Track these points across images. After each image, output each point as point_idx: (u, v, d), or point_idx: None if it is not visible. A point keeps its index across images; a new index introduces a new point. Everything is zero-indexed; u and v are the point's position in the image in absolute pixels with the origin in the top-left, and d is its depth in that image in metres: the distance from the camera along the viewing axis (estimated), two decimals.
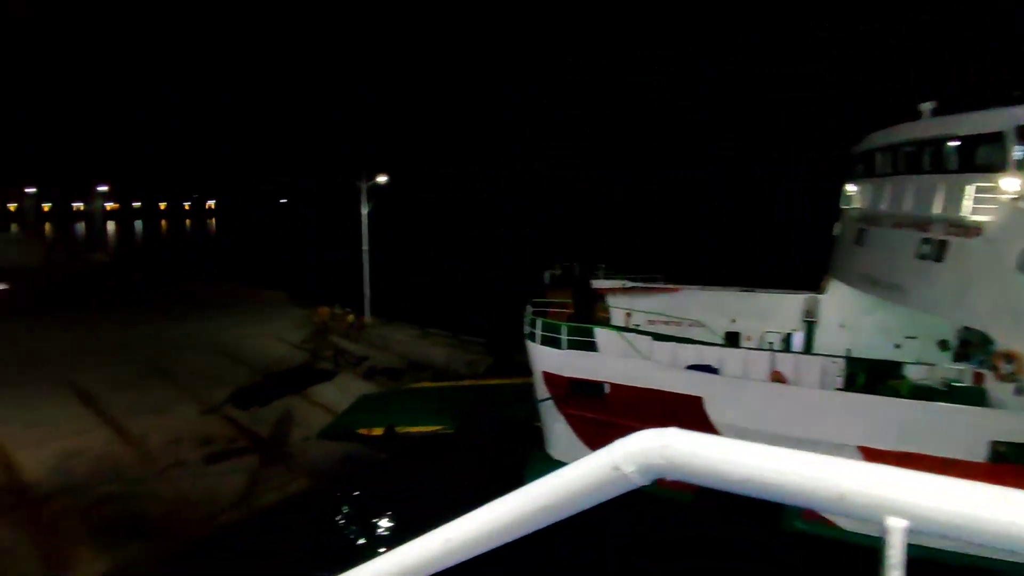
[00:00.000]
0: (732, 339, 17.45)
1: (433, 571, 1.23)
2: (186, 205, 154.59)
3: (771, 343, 16.17)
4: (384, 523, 13.57)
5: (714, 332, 17.63)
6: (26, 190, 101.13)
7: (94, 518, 12.50)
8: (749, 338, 17.28)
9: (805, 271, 19.70)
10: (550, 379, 15.25)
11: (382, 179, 27.90)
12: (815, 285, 17.94)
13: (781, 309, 17.38)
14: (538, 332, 15.20)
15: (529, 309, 16.59)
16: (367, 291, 27.47)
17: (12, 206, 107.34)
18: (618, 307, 18.62)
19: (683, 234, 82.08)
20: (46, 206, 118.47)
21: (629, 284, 19.40)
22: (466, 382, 21.07)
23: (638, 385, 13.62)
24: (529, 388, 16.81)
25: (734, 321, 17.72)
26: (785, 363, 13.43)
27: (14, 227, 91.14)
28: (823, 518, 11.72)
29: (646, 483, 1.00)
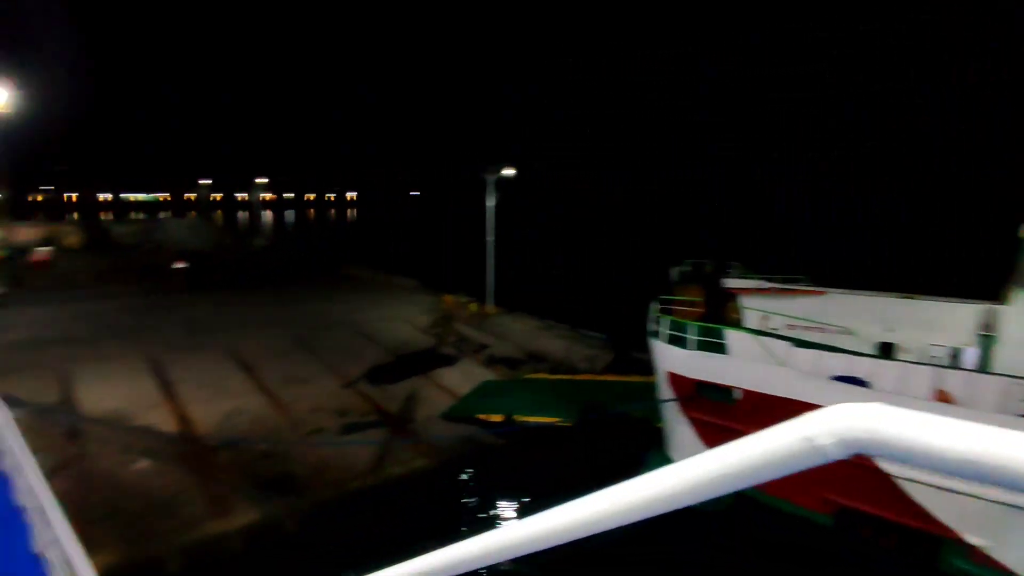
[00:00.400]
0: (886, 350, 15.69)
1: (594, 532, 1.25)
2: (330, 196, 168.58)
3: (936, 357, 14.31)
4: (503, 503, 13.93)
5: (865, 342, 15.95)
6: (200, 182, 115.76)
7: (250, 472, 14.02)
8: (907, 350, 15.43)
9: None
10: (675, 380, 14.71)
11: (508, 172, 28.44)
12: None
13: (950, 320, 15.32)
14: (664, 330, 14.71)
15: (655, 306, 16.09)
16: (490, 281, 28.19)
17: (190, 196, 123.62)
18: (753, 309, 17.49)
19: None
20: (216, 196, 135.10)
21: (767, 284, 18.13)
22: (584, 376, 20.95)
23: (773, 393, 12.70)
24: (649, 387, 16.34)
25: (892, 331, 15.90)
26: (954, 381, 11.82)
27: (192, 214, 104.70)
28: (995, 561, 10.21)
29: (843, 456, 0.95)
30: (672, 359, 14.62)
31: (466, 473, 15.13)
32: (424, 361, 21.70)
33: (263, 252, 56.83)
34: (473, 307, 27.11)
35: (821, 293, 17.44)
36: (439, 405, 18.08)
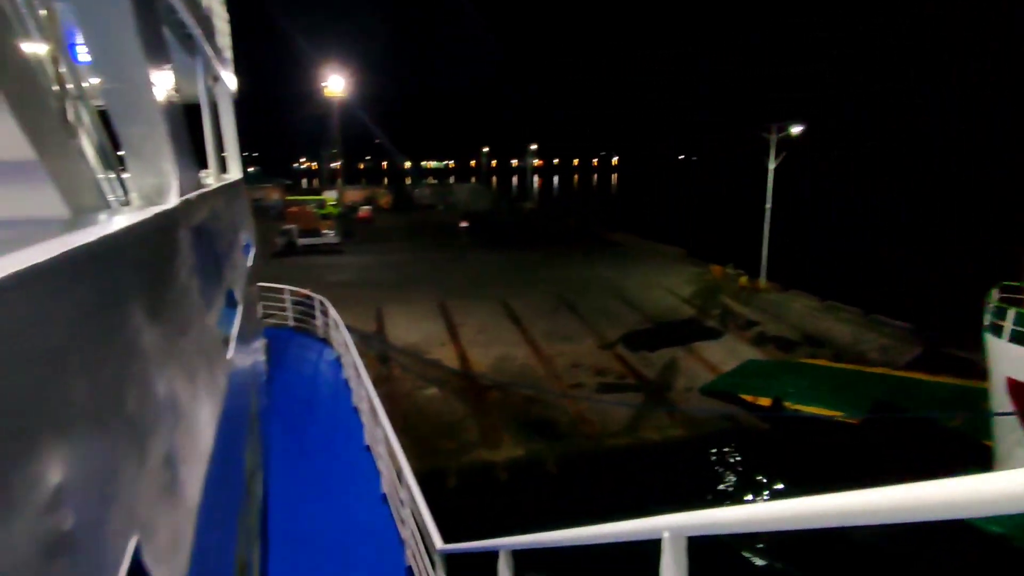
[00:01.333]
0: None
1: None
2: (594, 161, 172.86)
3: None
4: (760, 487, 12.73)
5: None
6: (483, 149, 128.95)
7: (517, 413, 15.27)
8: None
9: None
10: (1017, 389, 11.46)
11: (796, 130, 25.11)
12: None
13: None
14: (1007, 325, 11.51)
15: (994, 294, 12.71)
16: (765, 253, 25.58)
17: (472, 163, 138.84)
18: None
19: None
20: (493, 162, 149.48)
21: None
22: (877, 369, 17.76)
23: None
24: (971, 393, 13.14)
25: None
26: None
27: (473, 180, 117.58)
28: None
29: None
30: (1015, 361, 11.40)
31: (723, 450, 14.18)
32: (685, 332, 20.87)
33: (532, 215, 61.09)
34: (743, 280, 25.01)
35: None
36: (698, 378, 17.22)
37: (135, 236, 2.17)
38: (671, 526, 1.68)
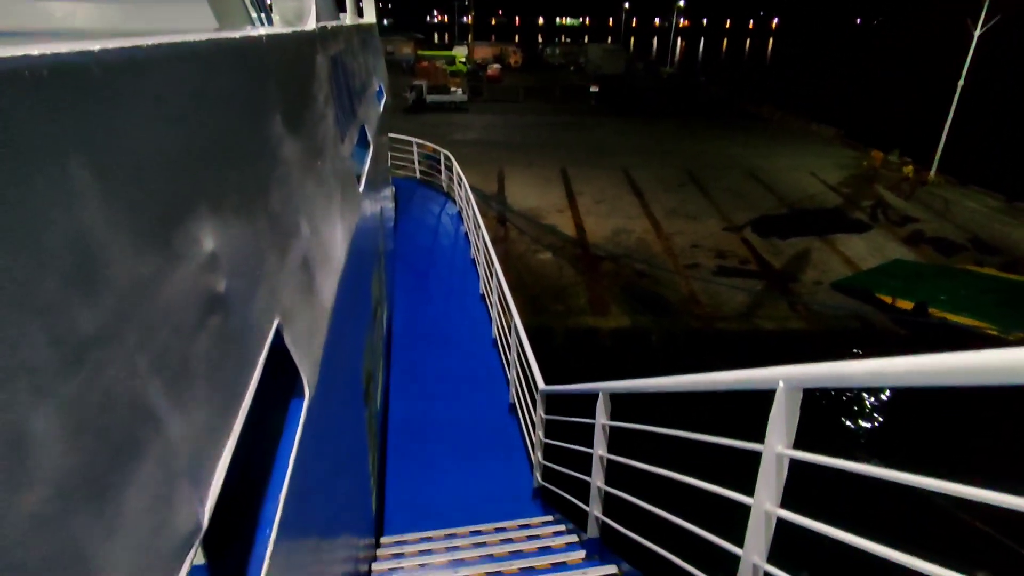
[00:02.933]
0: None
1: None
2: (749, 24, 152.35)
3: None
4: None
5: None
6: (623, 5, 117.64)
7: (627, 285, 15.23)
8: None
9: None
10: None
11: None
12: None
13: None
14: None
15: None
16: (943, 140, 21.92)
17: (610, 21, 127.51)
18: None
19: None
20: (634, 21, 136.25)
21: None
22: None
23: None
24: None
25: None
26: None
27: (608, 40, 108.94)
28: None
29: None
30: None
31: (846, 351, 13.38)
32: (825, 221, 19.05)
33: (671, 81, 56.22)
34: (908, 170, 21.83)
35: None
36: (832, 272, 15.94)
37: (277, 45, 2.20)
38: (788, 376, 1.59)
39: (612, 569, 3.06)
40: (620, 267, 16.12)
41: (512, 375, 5.93)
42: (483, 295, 8.33)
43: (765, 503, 1.68)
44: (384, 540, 4.37)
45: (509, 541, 3.94)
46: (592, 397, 3.37)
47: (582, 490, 3.73)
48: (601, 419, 3.15)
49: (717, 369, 2.04)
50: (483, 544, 3.97)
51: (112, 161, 0.94)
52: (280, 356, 1.82)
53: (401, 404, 6.16)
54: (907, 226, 18.72)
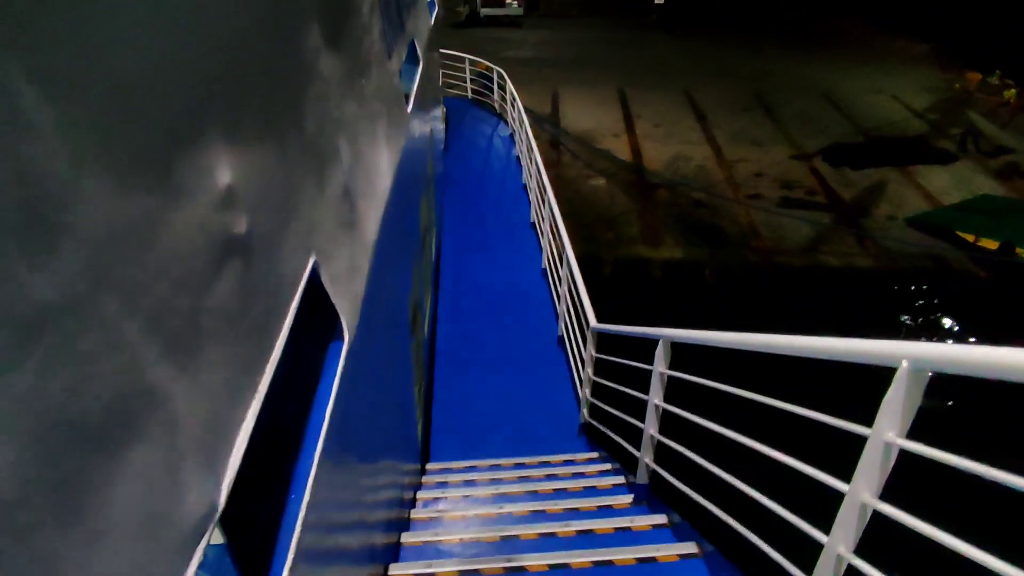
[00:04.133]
0: None
1: None
2: None
3: None
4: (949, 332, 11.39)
5: None
6: None
7: (683, 215, 14.61)
8: None
9: None
10: None
11: None
12: None
13: None
14: None
15: None
16: None
17: None
18: None
19: None
20: None
21: None
22: None
23: None
24: None
25: None
26: None
27: None
28: None
29: None
30: None
31: (917, 291, 12.60)
32: (905, 151, 17.53)
33: None
34: (1010, 94, 19.55)
35: None
36: (907, 207, 14.81)
37: None
38: (915, 356, 1.32)
39: (662, 518, 2.96)
40: (676, 196, 15.42)
41: (562, 308, 5.77)
42: (534, 223, 8.07)
43: (862, 492, 1.47)
44: (430, 467, 4.43)
45: (554, 477, 3.91)
46: (646, 340, 3.17)
47: (628, 432, 3.61)
48: (659, 367, 2.96)
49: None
50: (527, 479, 3.96)
51: (79, 66, 0.73)
52: (317, 297, 1.67)
53: (448, 331, 6.13)
54: (1000, 157, 17.03)
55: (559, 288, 5.88)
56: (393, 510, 2.97)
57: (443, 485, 3.95)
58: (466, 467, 4.40)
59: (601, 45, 30.55)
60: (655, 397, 3.07)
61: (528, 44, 30.56)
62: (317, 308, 1.71)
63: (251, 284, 1.19)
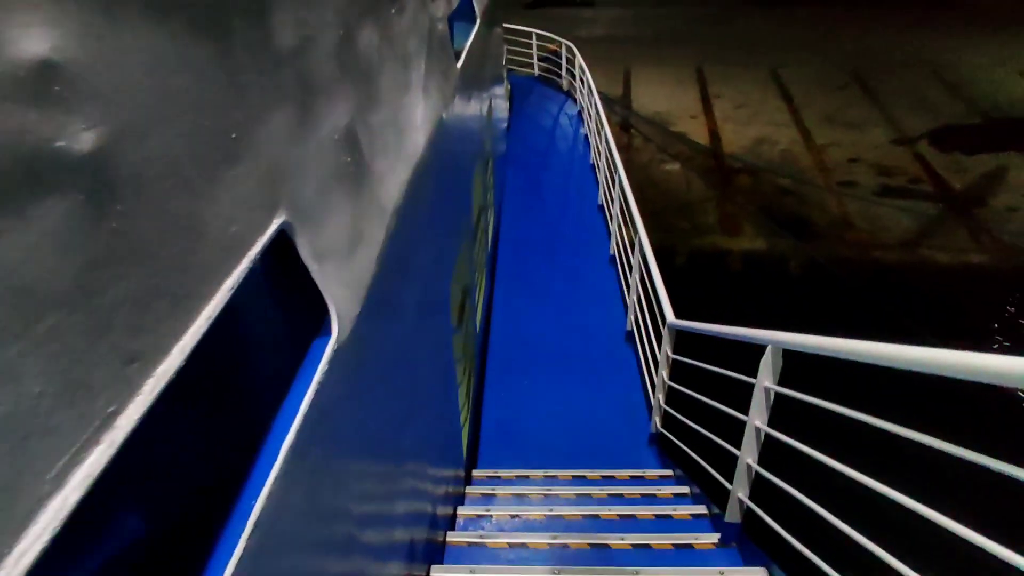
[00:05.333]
0: None
1: None
2: None
3: None
4: None
5: None
6: None
7: (766, 203, 13.45)
8: None
9: None
10: None
11: None
12: None
13: None
14: None
15: None
16: None
17: None
18: None
19: None
20: None
21: None
22: None
23: None
24: None
25: None
26: None
27: None
28: None
29: None
30: None
31: None
32: None
33: None
34: None
35: None
36: None
37: None
38: None
39: (761, 573, 2.32)
40: (759, 182, 14.24)
41: (632, 299, 5.12)
42: (602, 205, 7.41)
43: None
44: (476, 474, 3.93)
45: (619, 498, 3.31)
46: (745, 346, 2.51)
47: (714, 454, 2.96)
48: (765, 380, 2.29)
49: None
50: (587, 497, 3.38)
51: None
52: (287, 276, 1.16)
53: (505, 322, 5.60)
54: None
55: (629, 277, 5.23)
56: (420, 529, 2.48)
57: (488, 499, 3.44)
58: (516, 476, 3.88)
59: (680, 21, 28.95)
60: (757, 418, 2.42)
61: (600, 22, 29.39)
62: (288, 291, 1.22)
63: (111, 251, 0.70)
